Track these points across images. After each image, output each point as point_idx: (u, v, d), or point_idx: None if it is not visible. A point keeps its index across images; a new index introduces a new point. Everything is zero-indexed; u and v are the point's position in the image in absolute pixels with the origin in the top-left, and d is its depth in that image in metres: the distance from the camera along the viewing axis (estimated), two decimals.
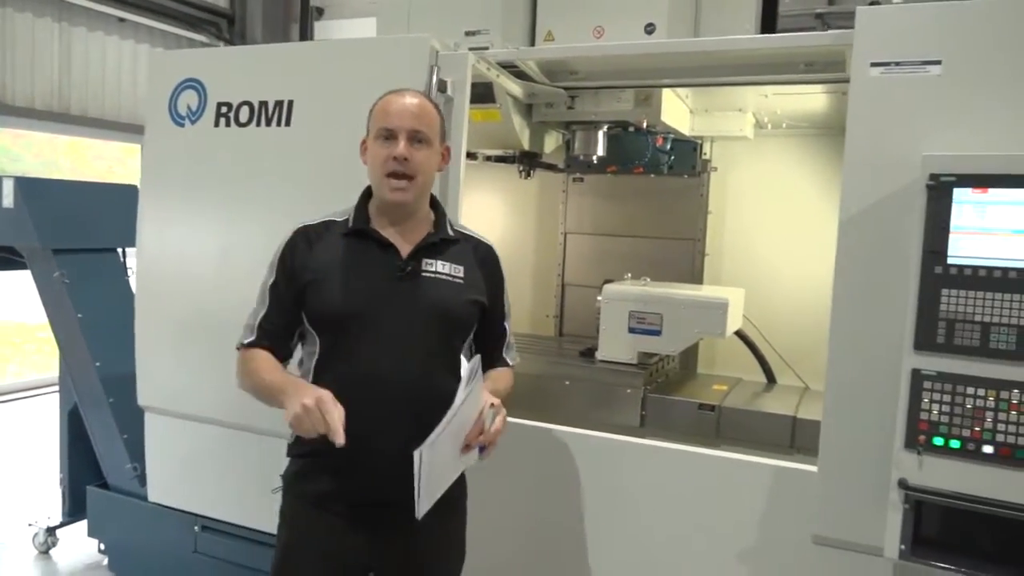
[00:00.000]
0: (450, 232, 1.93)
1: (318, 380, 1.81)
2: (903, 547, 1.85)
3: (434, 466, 1.62)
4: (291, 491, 1.92)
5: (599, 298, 3.02)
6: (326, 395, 1.62)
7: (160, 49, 7.65)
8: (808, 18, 5.70)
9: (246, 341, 1.89)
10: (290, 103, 2.82)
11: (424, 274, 1.84)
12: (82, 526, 3.62)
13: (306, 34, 8.55)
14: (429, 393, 1.75)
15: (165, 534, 3.26)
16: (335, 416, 1.58)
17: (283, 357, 1.90)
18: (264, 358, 1.84)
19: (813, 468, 2.19)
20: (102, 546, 3.57)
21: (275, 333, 1.87)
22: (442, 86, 2.55)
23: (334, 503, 1.82)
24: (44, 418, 5.88)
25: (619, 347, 2.95)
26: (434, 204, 1.96)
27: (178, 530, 3.20)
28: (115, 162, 8.85)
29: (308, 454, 1.86)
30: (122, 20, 7.19)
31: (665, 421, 2.86)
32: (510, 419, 2.58)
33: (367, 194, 1.92)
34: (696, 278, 3.69)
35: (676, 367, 3.39)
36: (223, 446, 3.07)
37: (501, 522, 2.18)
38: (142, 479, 3.33)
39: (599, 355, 3.00)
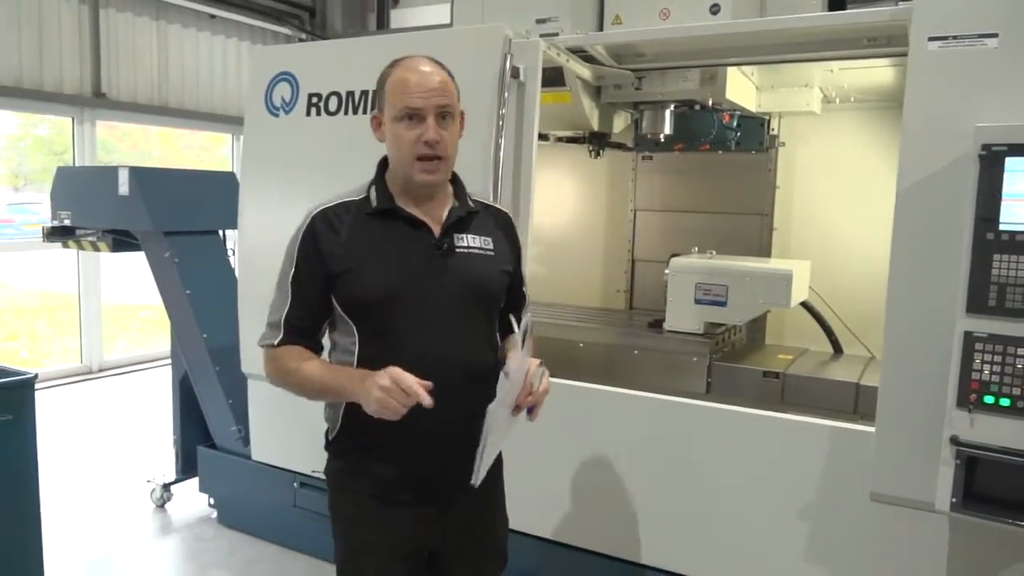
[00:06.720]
0: (470, 204, 1.84)
1: (362, 367, 1.70)
2: (954, 500, 1.95)
3: (492, 429, 1.60)
4: (347, 487, 1.81)
5: (666, 271, 3.15)
6: (394, 369, 1.57)
7: (247, 43, 8.07)
8: None
9: (274, 342, 1.74)
10: (374, 92, 3.02)
11: (458, 250, 1.76)
12: (193, 483, 4.01)
13: (383, 23, 8.83)
14: (474, 369, 1.73)
15: (267, 490, 3.59)
16: (413, 383, 1.54)
17: (316, 351, 1.78)
18: (299, 355, 1.73)
19: (870, 429, 2.29)
20: (211, 500, 3.94)
21: (303, 329, 1.75)
22: (515, 72, 2.72)
23: (396, 492, 1.75)
24: (153, 388, 6.38)
25: (686, 318, 3.08)
26: (453, 177, 1.84)
27: (279, 486, 3.52)
28: (202, 151, 9.34)
29: (358, 448, 1.78)
30: (213, 16, 7.63)
31: (730, 388, 2.97)
32: (584, 384, 2.80)
33: (383, 170, 1.81)
34: (764, 252, 3.77)
35: (743, 338, 3.49)
36: (318, 409, 3.34)
37: (579, 480, 2.35)
38: (246, 440, 3.67)
39: (666, 326, 3.13)
